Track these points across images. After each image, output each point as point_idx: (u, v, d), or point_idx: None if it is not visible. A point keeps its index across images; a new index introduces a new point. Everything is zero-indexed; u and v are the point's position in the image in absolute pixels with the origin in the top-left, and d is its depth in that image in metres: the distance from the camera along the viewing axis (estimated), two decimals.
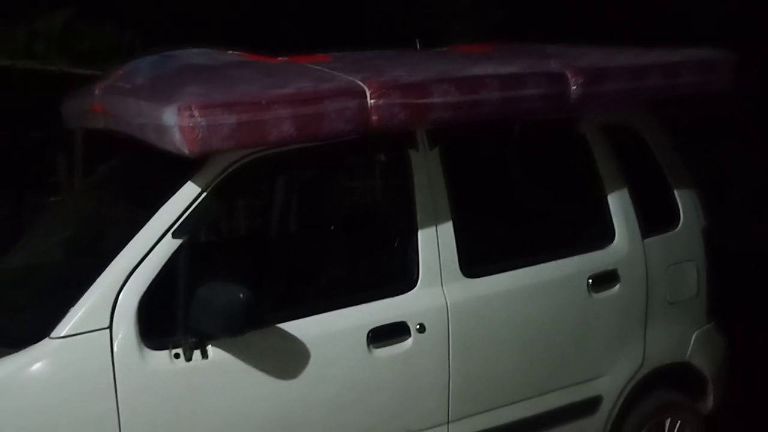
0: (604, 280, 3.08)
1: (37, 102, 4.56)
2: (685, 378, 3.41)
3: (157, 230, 2.39)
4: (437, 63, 2.86)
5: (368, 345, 2.62)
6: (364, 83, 2.46)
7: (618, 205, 3.16)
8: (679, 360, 3.35)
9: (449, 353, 2.77)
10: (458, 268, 2.80)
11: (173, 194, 2.44)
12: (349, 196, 5.22)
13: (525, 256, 2.97)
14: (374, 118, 2.44)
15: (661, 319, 3.24)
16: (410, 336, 2.69)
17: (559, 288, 3.01)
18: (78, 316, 2.28)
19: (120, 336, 2.30)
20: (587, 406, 3.12)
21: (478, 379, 2.85)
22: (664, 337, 3.27)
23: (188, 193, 2.44)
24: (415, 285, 2.75)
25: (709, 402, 3.49)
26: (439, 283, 2.77)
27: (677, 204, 3.34)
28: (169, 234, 2.39)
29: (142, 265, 2.35)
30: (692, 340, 3.36)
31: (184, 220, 2.41)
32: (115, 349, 2.29)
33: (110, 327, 2.30)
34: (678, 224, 3.33)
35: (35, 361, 2.24)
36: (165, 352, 2.36)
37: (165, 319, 2.37)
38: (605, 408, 3.15)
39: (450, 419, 2.80)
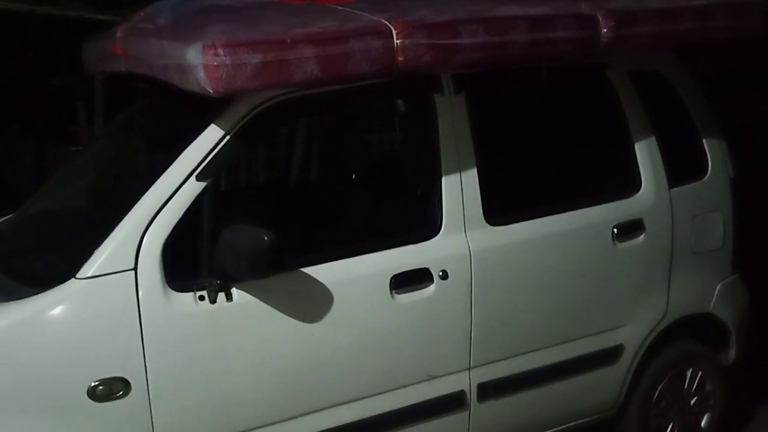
0: (629, 229, 3.05)
1: (56, 50, 4.52)
2: (708, 329, 3.40)
3: (181, 173, 2.38)
4: (464, 3, 2.78)
5: (391, 290, 2.62)
6: (390, 23, 2.40)
7: (645, 153, 3.12)
8: (702, 311, 3.33)
9: (471, 300, 2.76)
10: (482, 216, 2.78)
11: (196, 138, 2.42)
12: (373, 141, 5.19)
13: (549, 205, 2.94)
14: (400, 58, 2.40)
15: (685, 269, 3.22)
16: (433, 282, 2.69)
17: (584, 237, 2.98)
18: (103, 257, 2.29)
19: (145, 278, 2.31)
20: (609, 356, 3.12)
21: (499, 327, 2.85)
22: (687, 287, 3.24)
23: (212, 136, 2.42)
24: (438, 232, 2.73)
25: (731, 354, 3.48)
26: (462, 231, 2.75)
27: (705, 153, 3.29)
28: (193, 177, 2.38)
29: (166, 207, 2.35)
30: (716, 292, 3.34)
31: (208, 162, 2.40)
32: (140, 290, 2.30)
33: (135, 269, 2.31)
34: (706, 174, 3.28)
35: (61, 302, 2.26)
36: (190, 294, 2.37)
37: (190, 262, 2.38)
38: (627, 357, 3.15)
39: (471, 365, 2.81)
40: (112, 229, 2.32)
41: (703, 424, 3.45)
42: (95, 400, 2.26)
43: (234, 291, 2.40)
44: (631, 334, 3.14)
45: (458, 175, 2.74)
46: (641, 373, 3.23)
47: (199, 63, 2.19)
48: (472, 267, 2.75)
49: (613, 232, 3.02)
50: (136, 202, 2.35)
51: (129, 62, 2.68)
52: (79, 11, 4.89)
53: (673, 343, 3.30)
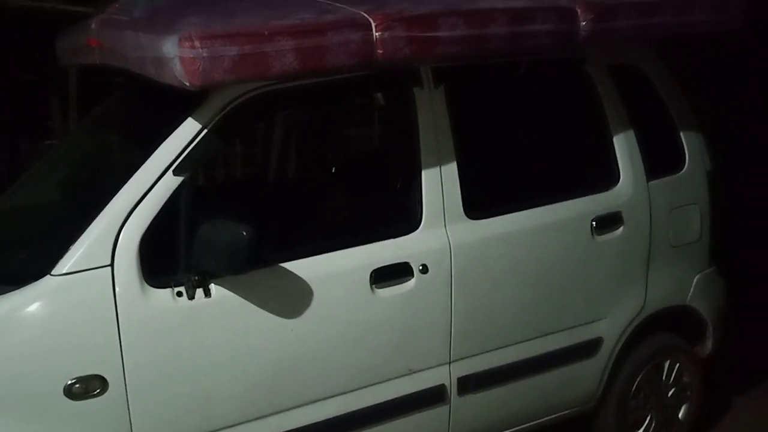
0: (607, 222, 3.07)
1: (30, 42, 4.45)
2: (685, 321, 3.43)
3: (158, 167, 2.35)
4: None
5: (371, 285, 2.61)
6: (369, 15, 2.39)
7: (623, 146, 3.13)
8: (679, 303, 3.36)
9: (452, 294, 2.76)
10: (462, 210, 2.78)
11: (173, 132, 2.39)
12: (352, 135, 5.17)
13: (529, 198, 2.95)
14: (379, 51, 2.38)
15: (663, 262, 3.24)
16: (413, 277, 2.68)
17: (563, 230, 2.99)
18: (79, 253, 2.25)
19: (122, 274, 2.28)
20: (588, 349, 3.13)
21: (479, 320, 2.85)
22: (665, 280, 3.27)
23: (189, 130, 2.39)
24: (418, 226, 2.72)
25: (708, 345, 3.52)
26: (442, 225, 2.75)
27: (683, 146, 3.32)
28: (170, 171, 2.35)
29: (143, 202, 2.32)
30: (693, 284, 3.37)
31: (185, 157, 2.37)
32: (116, 287, 2.27)
33: (112, 265, 2.27)
34: (683, 167, 3.31)
35: (36, 299, 2.22)
36: (167, 291, 2.34)
37: (167, 258, 2.35)
38: (605, 350, 3.17)
39: (451, 359, 2.81)
40: (88, 225, 2.29)
41: (680, 415, 3.48)
42: (72, 399, 2.23)
43: (212, 287, 2.38)
44: (610, 327, 3.16)
45: (438, 168, 2.74)
46: (619, 366, 3.25)
47: (176, 55, 2.16)
48: (452, 261, 2.75)
49: (591, 225, 3.03)
50: (112, 198, 2.32)
51: (104, 55, 2.63)
52: (53, 2, 4.81)
53: (650, 336, 3.32)
